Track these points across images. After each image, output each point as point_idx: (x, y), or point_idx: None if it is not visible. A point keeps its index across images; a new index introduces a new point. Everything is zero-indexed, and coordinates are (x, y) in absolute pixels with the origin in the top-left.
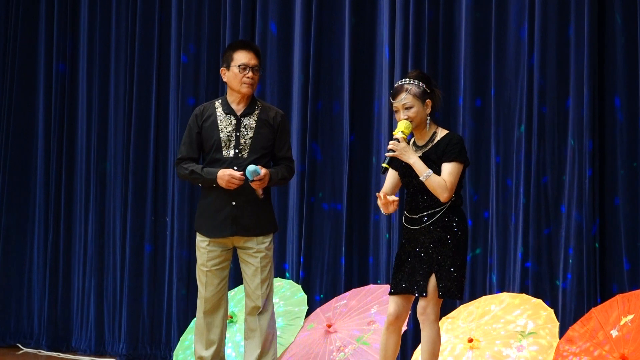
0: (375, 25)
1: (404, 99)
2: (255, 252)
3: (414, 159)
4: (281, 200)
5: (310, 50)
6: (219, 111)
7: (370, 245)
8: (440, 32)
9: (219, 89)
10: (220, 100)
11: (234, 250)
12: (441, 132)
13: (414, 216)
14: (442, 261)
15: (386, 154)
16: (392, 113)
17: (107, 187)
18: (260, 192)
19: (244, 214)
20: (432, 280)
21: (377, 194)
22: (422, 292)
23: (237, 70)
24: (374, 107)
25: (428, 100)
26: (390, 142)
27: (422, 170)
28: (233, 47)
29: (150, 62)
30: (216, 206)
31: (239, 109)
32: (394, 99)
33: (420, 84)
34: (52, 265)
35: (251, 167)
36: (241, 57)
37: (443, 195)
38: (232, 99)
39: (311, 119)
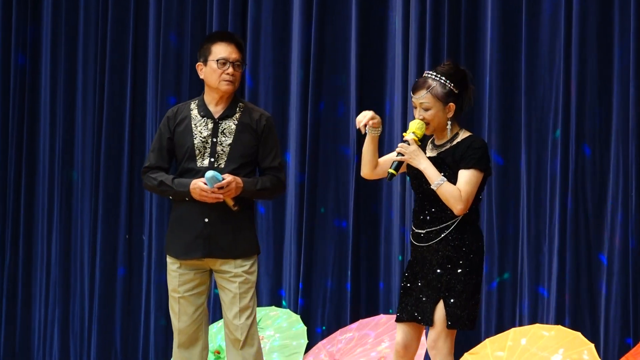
0: (387, 11)
1: (422, 96)
2: (233, 276)
3: (425, 164)
4: (277, 216)
5: (310, 41)
6: (194, 113)
7: (380, 269)
8: (462, 19)
9: (204, 84)
10: (196, 101)
11: (212, 274)
12: (463, 134)
13: (420, 231)
14: (452, 286)
15: (395, 157)
16: (406, 115)
17: (73, 200)
18: (231, 203)
19: (218, 232)
20: (440, 308)
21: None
22: (429, 321)
23: (216, 66)
24: (385, 108)
25: (452, 104)
26: (399, 145)
27: (434, 177)
28: (211, 39)
29: (125, 54)
30: (187, 223)
31: (217, 110)
32: (413, 93)
33: (448, 82)
34: (9, 292)
35: (209, 173)
36: (220, 50)
37: (457, 207)
38: (210, 99)
39: (312, 122)
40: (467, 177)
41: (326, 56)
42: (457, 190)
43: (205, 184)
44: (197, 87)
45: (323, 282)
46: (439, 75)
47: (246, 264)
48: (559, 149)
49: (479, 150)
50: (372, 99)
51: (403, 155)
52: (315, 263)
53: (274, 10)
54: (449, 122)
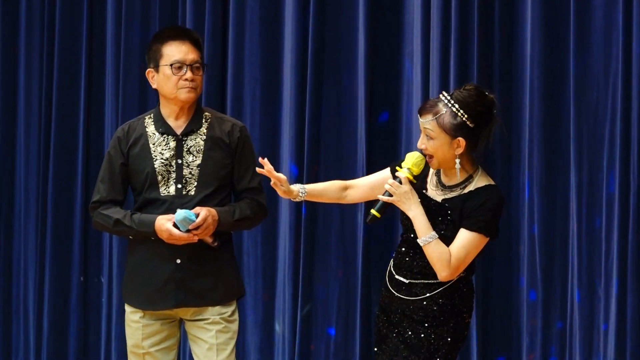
0: (403, 7)
1: (427, 122)
2: (210, 323)
3: (415, 212)
4: (268, 249)
5: (307, 35)
6: (151, 131)
7: None
8: (496, 6)
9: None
10: (151, 116)
11: (182, 323)
12: (479, 180)
13: (401, 279)
14: (436, 349)
15: (380, 196)
16: None
17: (14, 234)
18: (209, 240)
19: (193, 276)
20: None
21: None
22: None
23: (170, 71)
24: (400, 117)
25: (461, 139)
26: (389, 182)
27: (423, 232)
28: (159, 39)
29: (77, 54)
30: (153, 266)
31: (178, 125)
32: (419, 115)
33: (461, 113)
34: None
35: (180, 214)
36: (173, 51)
37: (441, 274)
38: (168, 112)
39: (310, 134)
40: (465, 241)
41: (327, 53)
42: (448, 254)
43: (176, 225)
44: None
45: (325, 331)
46: (452, 102)
47: (226, 310)
48: (617, 167)
49: (491, 212)
50: (384, 105)
51: (391, 196)
52: (316, 313)
53: None
54: (458, 161)
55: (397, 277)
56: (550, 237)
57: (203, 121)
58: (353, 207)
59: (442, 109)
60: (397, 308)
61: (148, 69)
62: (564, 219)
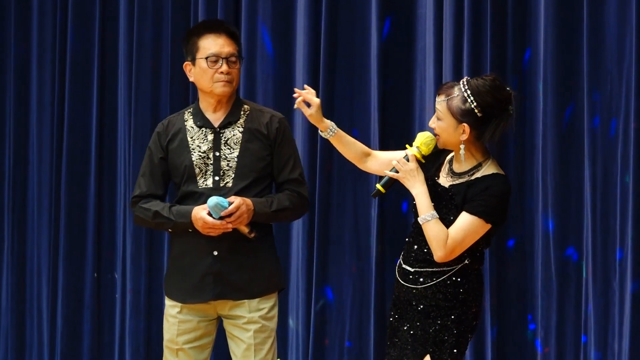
0: (415, 7)
1: (439, 102)
2: (247, 322)
3: (418, 190)
4: (282, 245)
5: (320, 39)
6: (190, 124)
7: None
8: (510, 6)
9: (190, 91)
10: (190, 110)
11: (220, 322)
12: (488, 168)
13: (407, 268)
14: (441, 340)
15: (386, 172)
16: None
17: (28, 231)
18: (246, 230)
19: (231, 268)
20: None
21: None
22: None
23: (206, 65)
24: (413, 122)
25: (466, 125)
26: (397, 160)
27: (424, 209)
28: (196, 32)
29: (90, 52)
30: (191, 258)
31: (216, 118)
32: (437, 94)
33: (471, 99)
34: None
35: (211, 200)
36: (209, 44)
37: (437, 254)
38: (206, 105)
39: (322, 139)
40: (464, 224)
41: (339, 49)
42: (444, 234)
43: (210, 214)
44: (179, 93)
45: (340, 332)
46: (466, 87)
47: (264, 307)
48: (631, 163)
49: (494, 199)
50: (398, 112)
51: (397, 172)
52: (330, 308)
53: None
54: (462, 147)
55: (404, 266)
56: (565, 231)
57: (241, 113)
58: (367, 203)
59: (455, 92)
60: (404, 299)
61: (185, 62)
62: (578, 216)
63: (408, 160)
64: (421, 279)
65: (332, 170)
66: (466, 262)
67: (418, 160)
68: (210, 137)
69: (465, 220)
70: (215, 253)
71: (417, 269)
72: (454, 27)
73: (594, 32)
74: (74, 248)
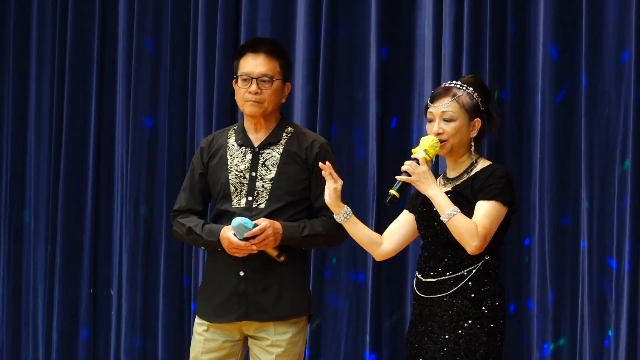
0: (414, 11)
1: (446, 105)
2: (270, 345)
3: (435, 191)
4: None
5: (320, 49)
6: (231, 142)
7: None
8: (508, 18)
9: (188, 103)
10: (236, 127)
11: (246, 342)
12: (482, 163)
13: (429, 280)
14: (472, 349)
15: (398, 177)
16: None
17: (24, 246)
18: (274, 253)
19: (257, 289)
20: None
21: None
22: None
23: (240, 84)
24: (411, 134)
25: (478, 119)
26: (407, 163)
27: (445, 207)
28: (240, 50)
29: (89, 64)
30: (220, 277)
31: (257, 138)
32: (432, 102)
33: (476, 95)
34: None
35: (235, 221)
36: (244, 63)
37: (471, 244)
38: (248, 124)
39: None
40: (485, 210)
41: (338, 67)
42: (473, 224)
43: (235, 234)
44: (179, 105)
45: (335, 349)
46: (465, 85)
47: (289, 331)
48: (629, 183)
49: (502, 179)
50: (396, 121)
51: (410, 176)
52: (326, 326)
53: (273, 9)
54: (472, 144)
55: (424, 280)
56: (561, 255)
57: (283, 135)
58: (364, 220)
59: (458, 91)
60: (429, 313)
61: (234, 80)
62: (574, 237)
63: (418, 163)
64: (445, 287)
65: None
66: (486, 257)
67: (427, 163)
68: (249, 156)
69: (485, 207)
70: (242, 273)
71: (439, 279)
72: (453, 47)
73: (592, 50)
74: (70, 264)
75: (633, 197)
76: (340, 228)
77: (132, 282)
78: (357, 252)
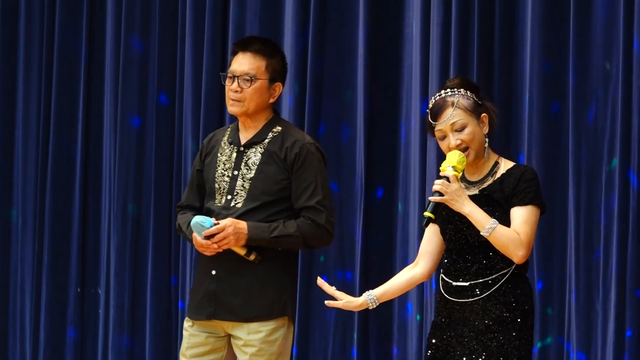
0: (402, 11)
1: (451, 116)
2: (244, 345)
3: (470, 207)
4: None
5: (307, 48)
6: (224, 140)
7: (393, 332)
8: (496, 20)
9: (175, 102)
10: (233, 125)
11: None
12: (505, 164)
13: (462, 284)
14: (505, 353)
15: (430, 198)
16: (425, 141)
17: (12, 245)
18: (242, 252)
19: (226, 289)
20: None
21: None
22: None
23: (226, 82)
24: (400, 132)
25: (484, 114)
26: (437, 182)
27: (484, 222)
28: (232, 49)
29: (76, 63)
30: (199, 276)
31: (245, 136)
32: (435, 120)
33: (468, 93)
34: None
35: (194, 219)
36: (233, 62)
37: (518, 255)
38: (241, 124)
39: None
40: (524, 216)
41: (327, 67)
42: (515, 234)
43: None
44: (167, 104)
45: (323, 347)
46: (453, 90)
47: (263, 330)
48: (617, 183)
49: (534, 181)
50: (384, 122)
51: (442, 195)
52: (314, 324)
53: (261, 7)
54: (487, 140)
55: (455, 283)
56: (548, 254)
57: (269, 135)
58: (352, 224)
59: (454, 98)
60: (459, 317)
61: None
62: (562, 236)
63: (449, 181)
64: (477, 291)
65: None
66: (515, 270)
67: (457, 180)
68: (234, 155)
69: (522, 214)
70: (214, 272)
71: (471, 282)
72: (441, 46)
73: (580, 51)
74: (58, 263)
75: (620, 197)
76: (319, 228)
77: (120, 281)
78: (345, 250)
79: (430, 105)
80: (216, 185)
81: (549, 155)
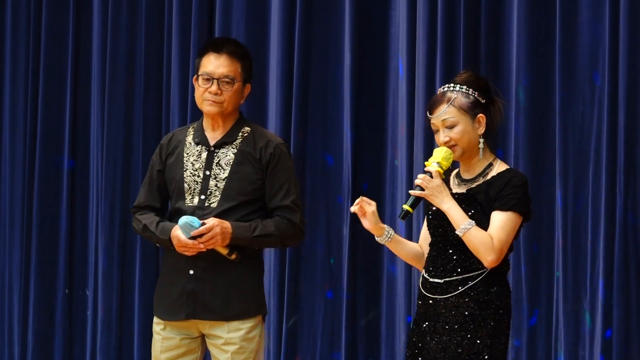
0: (388, 10)
1: (444, 112)
2: (225, 343)
3: (449, 205)
4: None
5: (294, 47)
6: (189, 140)
7: (381, 335)
8: (482, 20)
9: (163, 104)
10: (195, 125)
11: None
12: (499, 166)
13: (436, 280)
14: (475, 351)
15: (411, 192)
16: (412, 144)
17: None
18: (224, 251)
19: (206, 288)
20: None
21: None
22: None
23: (200, 82)
24: (386, 133)
25: (481, 115)
26: (419, 176)
27: (460, 221)
28: (203, 49)
29: (63, 65)
30: (172, 276)
31: (214, 137)
32: (431, 113)
33: (471, 91)
34: None
35: (182, 219)
36: (207, 62)
37: (487, 259)
38: (206, 123)
39: (295, 156)
40: (502, 221)
41: (313, 66)
42: (489, 237)
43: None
44: (154, 105)
45: (311, 349)
46: (457, 85)
47: (243, 328)
48: (603, 182)
49: (520, 188)
50: (372, 128)
51: (423, 190)
52: (302, 329)
53: (247, 8)
54: (481, 141)
55: (431, 280)
56: (535, 255)
57: (239, 135)
58: (339, 219)
59: (452, 95)
60: (434, 313)
61: (194, 77)
62: (549, 236)
63: (432, 177)
64: (451, 289)
65: (305, 188)
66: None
67: (440, 176)
68: (204, 155)
69: (501, 218)
70: (192, 272)
71: (446, 279)
72: (427, 46)
73: (566, 51)
74: (46, 264)
75: (607, 197)
76: (295, 227)
77: (108, 283)
78: (333, 251)
79: (432, 98)
80: (185, 186)
81: (535, 154)
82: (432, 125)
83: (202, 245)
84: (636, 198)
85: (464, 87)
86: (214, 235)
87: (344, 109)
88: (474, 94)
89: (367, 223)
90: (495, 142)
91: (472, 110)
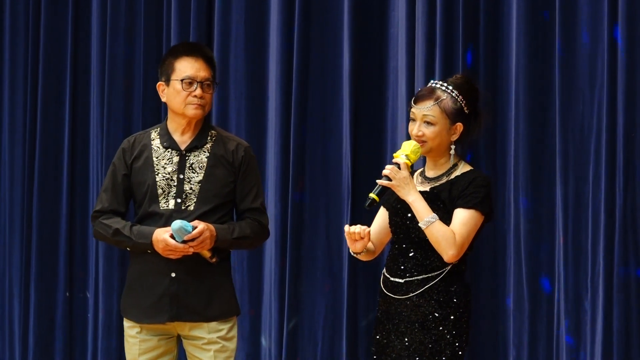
0: (387, 11)
1: (427, 108)
2: (207, 343)
3: (414, 197)
4: (253, 269)
5: (292, 50)
6: (156, 144)
7: None
8: (481, 19)
9: (162, 110)
10: (158, 130)
11: (180, 340)
12: (463, 167)
13: (397, 280)
14: (438, 349)
15: (378, 182)
16: None
17: (0, 250)
18: (208, 254)
19: (188, 290)
20: None
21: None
22: None
23: (180, 86)
24: (385, 133)
25: (460, 124)
26: (387, 167)
27: (424, 214)
28: (174, 53)
29: (62, 67)
30: (149, 279)
31: (183, 140)
32: (415, 103)
33: (460, 98)
34: None
35: (176, 224)
36: (186, 67)
37: (448, 253)
38: (175, 126)
39: (295, 157)
40: (465, 218)
41: (312, 67)
42: (451, 232)
43: (172, 236)
44: (152, 113)
45: (312, 351)
46: (450, 88)
47: (223, 328)
48: (603, 183)
49: (482, 188)
50: (370, 128)
51: (390, 180)
52: (302, 330)
53: (246, 10)
54: (453, 147)
55: (392, 279)
56: (536, 256)
57: (208, 138)
58: (339, 219)
59: (442, 94)
60: (395, 312)
61: (159, 82)
62: (550, 237)
63: (400, 168)
64: (412, 289)
65: (305, 189)
66: (455, 264)
67: (407, 168)
68: (176, 159)
69: (464, 216)
70: (173, 275)
71: (407, 279)
72: (426, 46)
73: (566, 51)
74: (46, 267)
75: (606, 196)
76: (264, 229)
77: (108, 285)
78: (333, 253)
79: (421, 88)
80: (159, 189)
81: (535, 154)
82: (411, 113)
83: (191, 250)
84: (636, 198)
85: (455, 91)
86: (204, 239)
87: (344, 109)
88: (462, 102)
89: (357, 245)
90: (466, 149)
91: (454, 116)
